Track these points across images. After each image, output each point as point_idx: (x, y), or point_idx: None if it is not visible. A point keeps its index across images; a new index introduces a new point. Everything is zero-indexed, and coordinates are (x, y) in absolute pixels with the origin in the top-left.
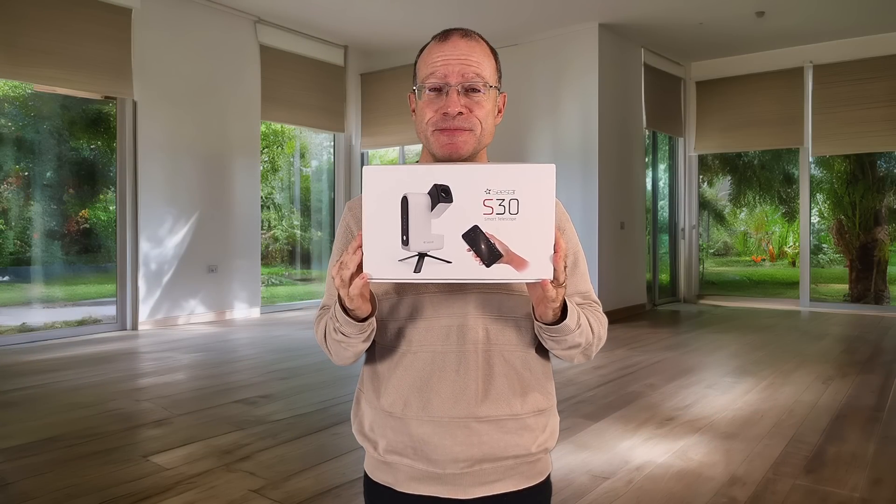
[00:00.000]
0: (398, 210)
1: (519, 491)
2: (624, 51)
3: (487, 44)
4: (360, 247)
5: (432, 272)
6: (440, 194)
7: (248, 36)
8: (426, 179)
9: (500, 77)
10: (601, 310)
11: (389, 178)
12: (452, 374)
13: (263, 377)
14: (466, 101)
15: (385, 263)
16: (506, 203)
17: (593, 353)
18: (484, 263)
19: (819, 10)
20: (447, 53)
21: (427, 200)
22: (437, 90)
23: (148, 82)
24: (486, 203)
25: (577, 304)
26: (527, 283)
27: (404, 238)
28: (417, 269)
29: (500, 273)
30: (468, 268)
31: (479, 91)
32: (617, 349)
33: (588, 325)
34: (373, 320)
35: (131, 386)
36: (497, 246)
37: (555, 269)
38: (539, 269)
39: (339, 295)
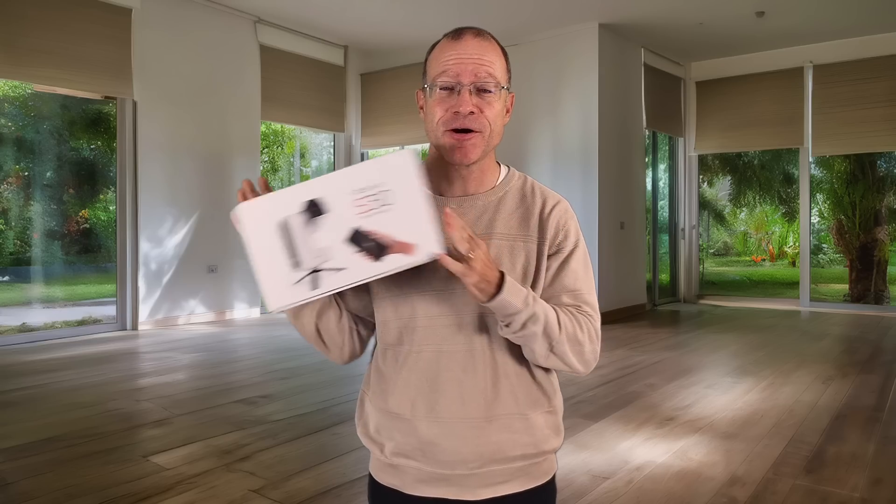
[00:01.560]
0: (279, 237)
1: (525, 491)
2: (624, 51)
3: (498, 43)
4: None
5: (332, 282)
6: (312, 209)
7: (248, 36)
8: (296, 199)
9: (509, 77)
10: (594, 318)
11: (260, 209)
12: (459, 374)
13: (263, 377)
14: (478, 100)
15: (284, 291)
16: (378, 197)
17: (572, 361)
18: (375, 259)
19: (819, 10)
20: (460, 52)
21: (303, 218)
22: (449, 89)
23: (148, 82)
24: (359, 203)
25: (565, 304)
26: (451, 271)
27: (294, 261)
28: (315, 286)
29: (393, 263)
30: (362, 267)
31: (491, 91)
32: (617, 349)
33: (554, 319)
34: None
35: (131, 386)
36: (382, 239)
37: (452, 246)
38: (427, 247)
39: None
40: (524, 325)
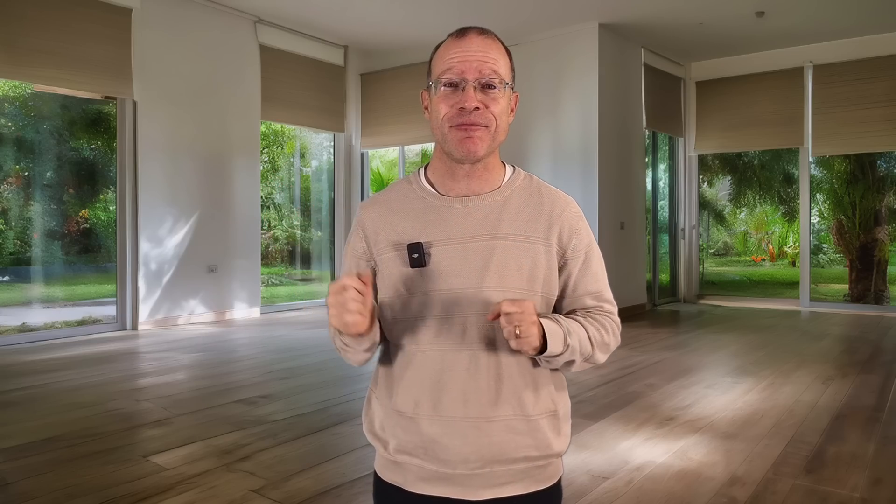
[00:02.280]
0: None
1: (529, 494)
2: (624, 51)
3: (502, 43)
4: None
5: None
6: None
7: (248, 36)
8: None
9: (513, 76)
10: (615, 313)
11: None
12: (463, 374)
13: (263, 377)
14: (482, 96)
15: None
16: None
17: (600, 360)
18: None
19: (819, 10)
20: (464, 50)
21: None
22: (454, 86)
23: (148, 82)
24: None
25: (586, 308)
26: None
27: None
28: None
29: None
30: None
31: (495, 88)
32: (617, 349)
33: (586, 338)
34: (373, 333)
35: (131, 386)
36: None
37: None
38: None
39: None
40: (565, 361)
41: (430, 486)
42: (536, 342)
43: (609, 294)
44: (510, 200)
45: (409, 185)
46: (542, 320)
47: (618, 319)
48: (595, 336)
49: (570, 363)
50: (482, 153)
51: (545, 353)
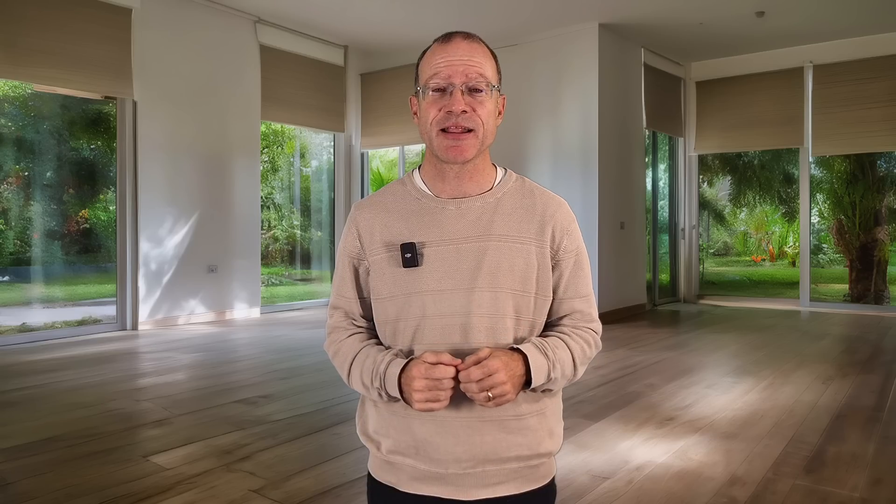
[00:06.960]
0: None
1: (522, 494)
2: (624, 51)
3: (487, 46)
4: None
5: None
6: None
7: (248, 36)
8: None
9: (500, 79)
10: (597, 320)
11: None
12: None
13: (263, 377)
14: (470, 100)
15: None
16: None
17: (579, 376)
18: None
19: (819, 10)
20: (450, 54)
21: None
22: (441, 90)
23: (148, 82)
24: None
25: (575, 312)
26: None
27: None
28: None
29: None
30: None
31: (482, 91)
32: (617, 349)
33: (570, 363)
34: None
35: (131, 386)
36: None
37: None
38: None
39: (399, 379)
40: (550, 387)
41: (423, 485)
42: (514, 396)
43: (593, 297)
44: (503, 202)
45: (403, 186)
46: (529, 353)
47: (599, 328)
48: (578, 355)
49: (550, 390)
50: (470, 157)
51: (531, 388)
